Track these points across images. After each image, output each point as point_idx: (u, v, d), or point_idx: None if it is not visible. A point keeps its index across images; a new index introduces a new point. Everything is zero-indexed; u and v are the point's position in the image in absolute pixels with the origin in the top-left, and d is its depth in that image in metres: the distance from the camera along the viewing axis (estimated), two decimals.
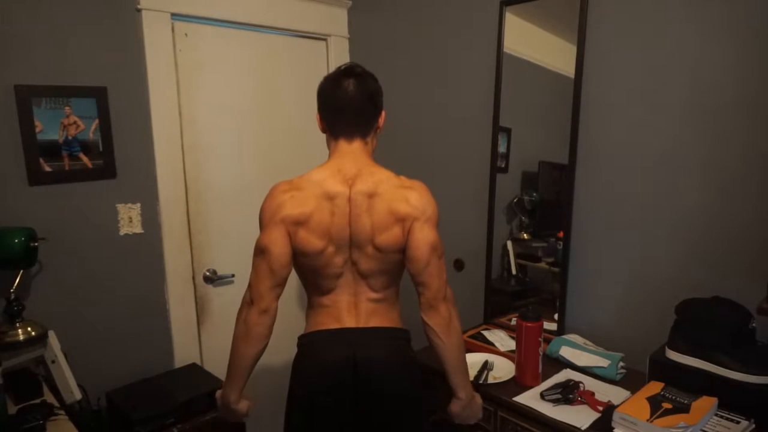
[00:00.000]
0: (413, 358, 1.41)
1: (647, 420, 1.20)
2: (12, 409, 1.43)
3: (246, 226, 2.24)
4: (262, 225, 1.33)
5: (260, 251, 1.31)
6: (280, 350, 2.38)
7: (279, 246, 1.29)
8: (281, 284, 1.32)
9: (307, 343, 1.39)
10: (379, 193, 1.30)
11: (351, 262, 1.34)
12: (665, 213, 1.58)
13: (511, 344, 1.76)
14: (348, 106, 1.34)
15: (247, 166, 2.25)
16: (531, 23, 1.87)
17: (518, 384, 1.56)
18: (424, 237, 1.30)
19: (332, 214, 1.29)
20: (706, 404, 1.24)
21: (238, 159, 2.22)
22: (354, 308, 1.37)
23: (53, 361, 1.62)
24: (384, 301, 1.39)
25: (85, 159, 1.80)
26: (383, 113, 1.41)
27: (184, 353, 2.09)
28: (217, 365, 2.16)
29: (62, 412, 1.47)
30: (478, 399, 1.45)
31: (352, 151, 1.35)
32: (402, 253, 1.33)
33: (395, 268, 1.38)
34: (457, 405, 1.40)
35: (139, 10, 1.86)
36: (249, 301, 1.32)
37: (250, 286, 1.33)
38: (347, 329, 1.35)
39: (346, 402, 1.32)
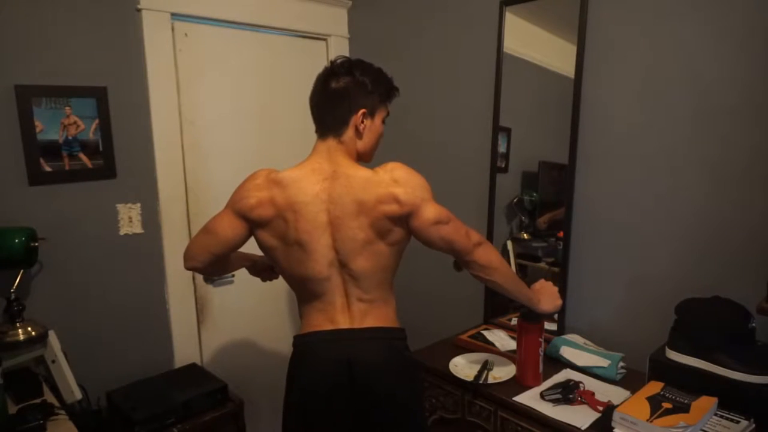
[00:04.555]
0: (409, 357, 1.40)
1: (647, 420, 1.20)
2: (12, 409, 1.43)
3: None
4: (227, 204, 1.37)
5: (207, 231, 1.38)
6: (278, 349, 2.39)
7: (226, 233, 1.35)
8: (215, 260, 1.40)
9: (302, 344, 1.38)
10: (366, 200, 1.27)
11: (339, 265, 1.32)
12: (665, 213, 1.58)
13: (511, 344, 1.76)
14: (318, 102, 1.35)
15: (247, 166, 2.21)
16: (531, 23, 1.87)
17: (518, 384, 1.55)
18: (424, 222, 1.30)
19: (296, 221, 1.28)
20: (706, 404, 1.24)
21: (238, 159, 2.22)
22: (347, 309, 1.35)
23: (53, 361, 1.62)
24: (377, 300, 1.37)
25: (85, 159, 1.80)
26: (360, 112, 1.32)
27: (184, 353, 2.09)
28: (217, 365, 2.17)
29: (62, 411, 1.47)
30: (545, 290, 1.54)
31: (327, 150, 1.33)
32: (407, 240, 1.36)
33: (394, 263, 1.38)
34: (537, 309, 1.51)
35: (139, 10, 1.86)
36: (185, 253, 1.41)
37: (189, 243, 1.42)
38: (341, 330, 1.34)
39: (342, 404, 1.31)
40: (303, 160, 1.36)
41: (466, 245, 1.34)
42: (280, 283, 2.35)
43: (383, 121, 1.41)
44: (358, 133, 1.35)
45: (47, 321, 1.66)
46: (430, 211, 1.30)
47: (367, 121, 1.35)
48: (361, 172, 1.30)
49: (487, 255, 1.37)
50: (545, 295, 1.53)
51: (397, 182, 1.28)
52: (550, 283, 1.57)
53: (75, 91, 1.75)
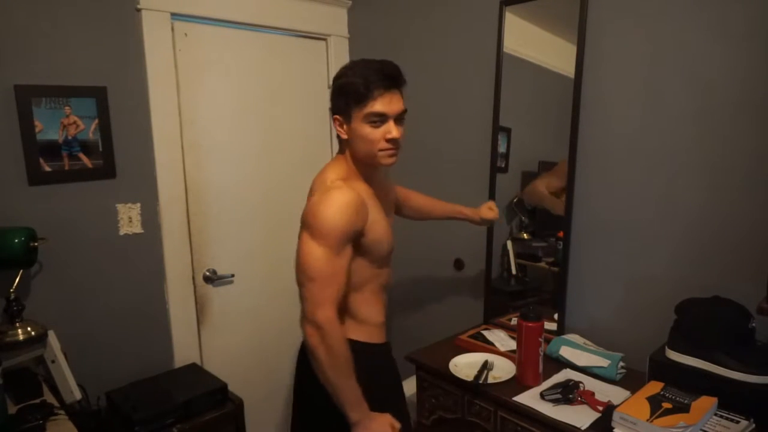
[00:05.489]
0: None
1: (647, 420, 1.20)
2: (12, 409, 1.43)
3: (246, 225, 2.25)
4: None
5: None
6: (278, 349, 2.39)
7: None
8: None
9: None
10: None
11: None
12: (665, 213, 1.58)
13: (511, 344, 1.76)
14: None
15: (246, 166, 2.25)
16: (531, 23, 1.87)
17: (518, 384, 1.55)
18: (298, 248, 1.26)
19: None
20: (706, 404, 1.24)
21: (238, 159, 2.22)
22: None
23: (53, 361, 1.62)
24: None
25: (85, 159, 1.80)
26: (336, 118, 1.33)
27: (184, 353, 2.09)
28: (217, 365, 2.16)
29: (62, 411, 1.47)
30: (372, 420, 1.26)
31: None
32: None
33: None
34: (350, 424, 1.27)
35: (139, 10, 1.86)
36: None
37: None
38: None
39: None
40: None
41: (303, 306, 1.24)
42: (279, 283, 2.36)
43: (371, 122, 1.27)
44: (341, 140, 1.37)
45: (47, 321, 1.66)
46: (301, 244, 1.25)
47: (346, 126, 1.32)
48: (324, 174, 1.36)
49: (309, 336, 1.22)
50: (367, 425, 1.25)
51: (313, 195, 1.33)
52: (389, 423, 1.29)
53: (75, 91, 1.75)
